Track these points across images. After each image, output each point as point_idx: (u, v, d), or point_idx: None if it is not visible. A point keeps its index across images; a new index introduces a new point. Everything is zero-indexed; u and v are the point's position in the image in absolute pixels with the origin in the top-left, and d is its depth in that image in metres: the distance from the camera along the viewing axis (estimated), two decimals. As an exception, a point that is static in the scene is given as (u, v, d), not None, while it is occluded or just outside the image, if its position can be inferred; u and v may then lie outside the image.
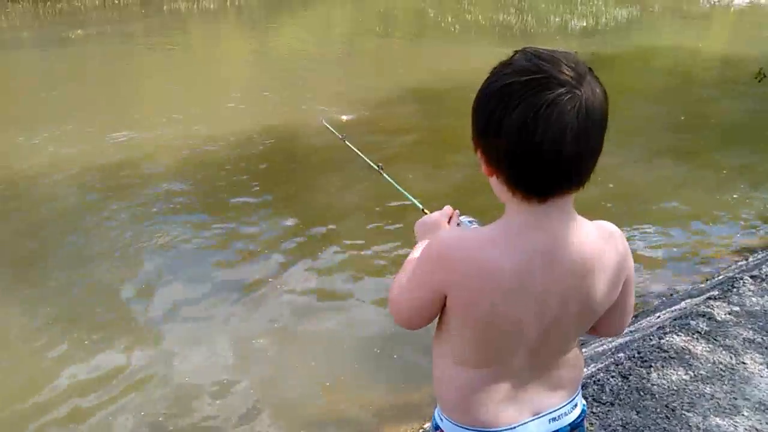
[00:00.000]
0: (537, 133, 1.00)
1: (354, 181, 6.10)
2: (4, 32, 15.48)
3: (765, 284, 3.47)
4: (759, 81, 7.04)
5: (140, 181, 6.17)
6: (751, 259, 4.54)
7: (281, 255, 4.80)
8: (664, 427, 2.40)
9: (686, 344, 2.90)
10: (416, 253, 1.37)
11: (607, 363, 2.88)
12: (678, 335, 2.98)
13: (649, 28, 17.08)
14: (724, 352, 2.84)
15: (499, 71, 1.07)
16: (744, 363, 2.76)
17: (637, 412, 2.49)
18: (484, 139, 1.09)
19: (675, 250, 4.87)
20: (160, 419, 3.25)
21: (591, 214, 1.21)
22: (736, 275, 3.84)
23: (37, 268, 4.67)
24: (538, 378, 1.25)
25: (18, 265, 4.73)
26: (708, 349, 2.87)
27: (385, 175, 1.78)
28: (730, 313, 3.16)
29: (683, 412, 2.47)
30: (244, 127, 7.71)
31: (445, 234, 1.20)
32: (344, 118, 7.85)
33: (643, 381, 2.67)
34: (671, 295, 4.20)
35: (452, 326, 1.21)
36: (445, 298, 1.17)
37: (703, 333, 2.99)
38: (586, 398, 2.15)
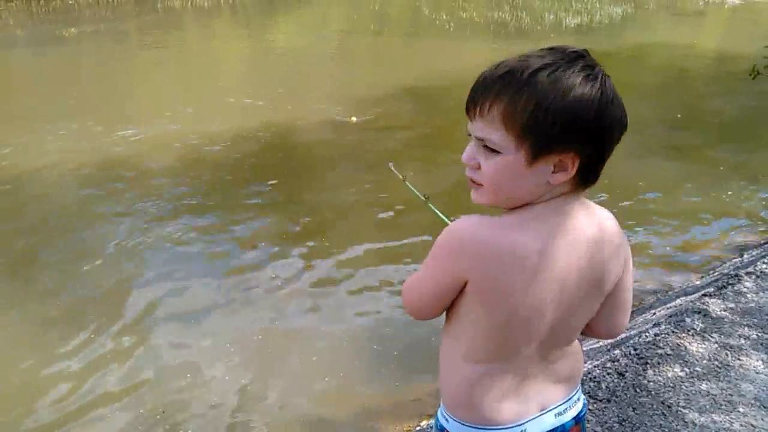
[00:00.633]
0: (615, 126, 1.11)
1: (354, 178, 6.10)
2: (-2, 31, 15.42)
3: (760, 281, 3.48)
4: (753, 78, 7.04)
5: (136, 179, 6.15)
6: (746, 255, 4.56)
7: (281, 253, 4.79)
8: (661, 424, 2.41)
9: (682, 341, 2.91)
10: None
11: (603, 360, 2.89)
12: (674, 332, 2.99)
13: (643, 26, 17.11)
14: (719, 348, 2.85)
15: (564, 76, 1.05)
16: (740, 359, 2.77)
17: (634, 409, 2.49)
18: (590, 151, 1.09)
19: (670, 247, 4.88)
20: (157, 416, 3.24)
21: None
22: (732, 272, 3.85)
23: (33, 266, 4.65)
24: (544, 371, 1.24)
25: (13, 263, 4.71)
26: (704, 345, 2.88)
27: (430, 205, 1.75)
28: (725, 310, 3.17)
29: (679, 408, 2.48)
30: (241, 124, 7.69)
31: (464, 221, 1.14)
32: (354, 119, 7.83)
33: (640, 378, 2.68)
34: (667, 292, 4.20)
35: (467, 318, 1.18)
36: (463, 286, 1.14)
37: (698, 330, 3.00)
38: (582, 395, 2.15)
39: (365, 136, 7.41)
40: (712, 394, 2.56)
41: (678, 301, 3.66)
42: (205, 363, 3.63)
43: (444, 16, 17.63)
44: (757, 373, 2.68)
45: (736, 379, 2.64)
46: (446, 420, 1.27)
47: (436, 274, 1.17)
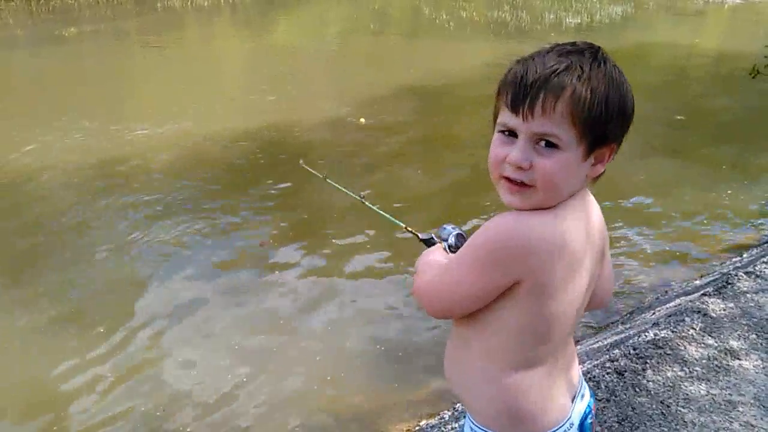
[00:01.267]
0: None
1: (355, 177, 6.10)
2: (-2, 30, 15.41)
3: (759, 281, 3.48)
4: (753, 77, 7.04)
5: (136, 179, 6.15)
6: (745, 255, 4.56)
7: (281, 251, 4.80)
8: (660, 423, 2.41)
9: (681, 341, 2.91)
10: (437, 255, 1.35)
11: (602, 359, 2.89)
12: (673, 332, 2.99)
13: (643, 25, 17.09)
14: (719, 348, 2.85)
15: (609, 71, 1.12)
16: (739, 359, 2.77)
17: (633, 409, 2.49)
18: (618, 135, 1.16)
19: (669, 246, 4.88)
20: (158, 413, 3.25)
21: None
22: (731, 272, 3.85)
23: (33, 266, 4.65)
24: (565, 359, 1.24)
25: (13, 263, 4.71)
26: (703, 345, 2.88)
27: (368, 204, 1.81)
28: (724, 310, 3.17)
29: (678, 408, 2.48)
30: (241, 124, 7.69)
31: (509, 220, 1.10)
32: (363, 120, 7.81)
33: (639, 377, 2.68)
34: (666, 291, 4.20)
35: (508, 324, 1.14)
36: (510, 287, 1.10)
37: (698, 329, 3.00)
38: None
39: (366, 134, 7.41)
40: (712, 394, 2.56)
41: (677, 300, 3.66)
42: (206, 362, 3.64)
43: (444, 16, 17.62)
44: (756, 373, 2.68)
45: (736, 379, 2.65)
46: None
47: (485, 277, 1.11)
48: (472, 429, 1.23)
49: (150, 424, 3.19)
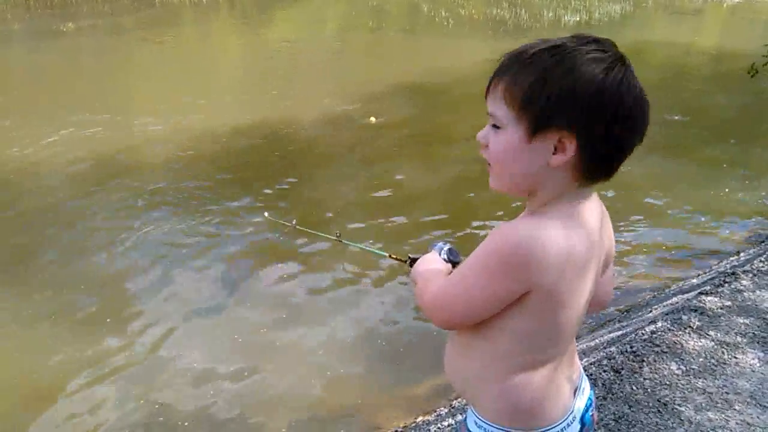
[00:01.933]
0: (624, 113, 1.09)
1: (353, 175, 6.09)
2: (-5, 25, 15.36)
3: (757, 279, 3.49)
4: (752, 76, 7.06)
5: (134, 175, 6.13)
6: (743, 253, 4.56)
7: (281, 250, 4.79)
8: (657, 421, 2.41)
9: (678, 338, 2.91)
10: (435, 264, 1.34)
11: (599, 357, 2.88)
12: (670, 329, 2.99)
13: (642, 24, 17.10)
14: (716, 346, 2.85)
15: (570, 55, 1.07)
16: (736, 357, 2.77)
17: (630, 406, 2.49)
18: (590, 132, 1.07)
19: (667, 244, 4.88)
20: (156, 407, 3.24)
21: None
22: (728, 270, 3.85)
23: (29, 261, 4.64)
24: (566, 354, 1.25)
25: (9, 258, 4.69)
26: (700, 343, 2.88)
27: (344, 241, 1.84)
28: (722, 308, 3.17)
29: (675, 406, 2.48)
30: (239, 120, 7.68)
31: (519, 229, 1.09)
32: (373, 119, 7.78)
33: (636, 375, 2.68)
34: (664, 289, 4.21)
35: (516, 328, 1.13)
36: (522, 295, 1.09)
37: (695, 327, 3.00)
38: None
39: (363, 134, 7.40)
40: (708, 392, 2.56)
41: (675, 298, 3.66)
42: (205, 359, 3.63)
43: (443, 13, 17.59)
44: (753, 370, 2.68)
45: (732, 377, 2.65)
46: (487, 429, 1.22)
47: (497, 285, 1.09)
48: (476, 423, 1.23)
49: (147, 420, 3.18)
